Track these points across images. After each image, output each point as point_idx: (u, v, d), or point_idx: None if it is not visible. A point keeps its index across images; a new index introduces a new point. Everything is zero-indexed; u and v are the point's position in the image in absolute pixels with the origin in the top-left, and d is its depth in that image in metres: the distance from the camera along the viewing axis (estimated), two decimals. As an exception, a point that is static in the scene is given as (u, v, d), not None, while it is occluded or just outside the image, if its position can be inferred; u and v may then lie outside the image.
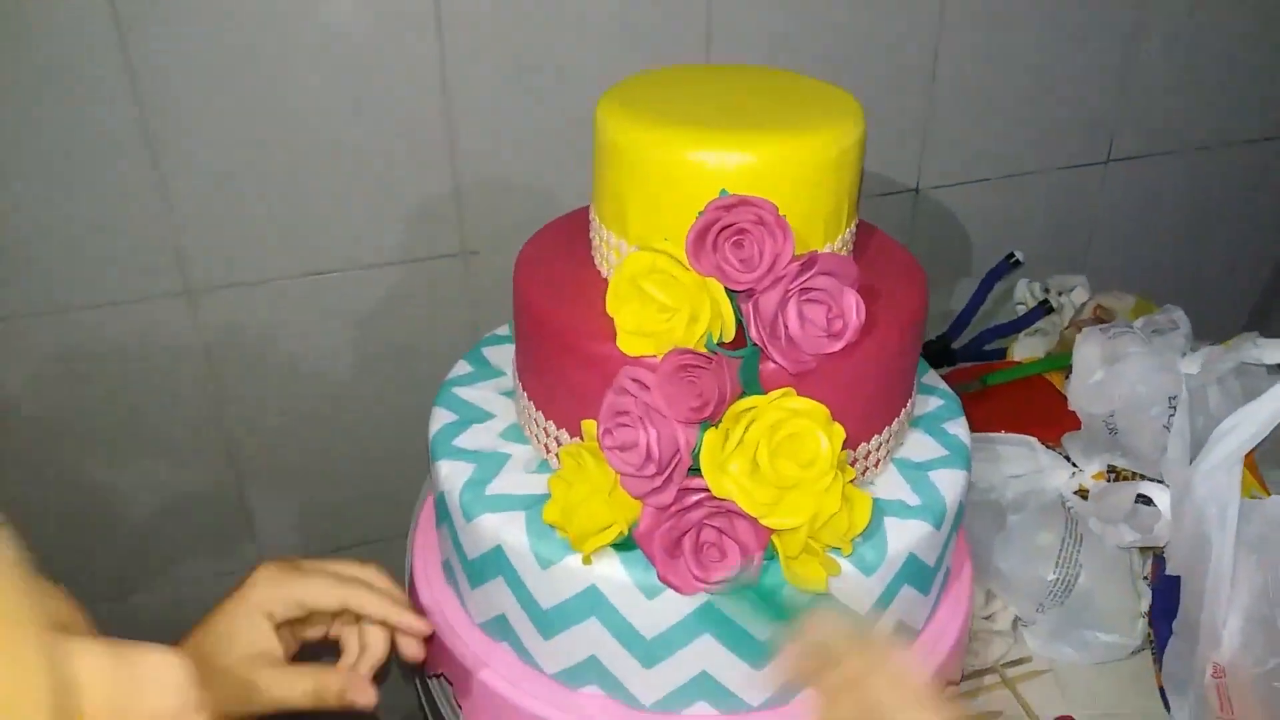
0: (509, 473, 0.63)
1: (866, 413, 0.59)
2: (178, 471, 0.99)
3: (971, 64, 0.98)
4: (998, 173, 1.06)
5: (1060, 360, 0.91)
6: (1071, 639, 0.75)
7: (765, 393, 0.53)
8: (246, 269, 0.88)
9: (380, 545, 1.10)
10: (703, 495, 0.52)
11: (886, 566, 0.58)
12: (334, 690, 0.52)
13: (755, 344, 0.53)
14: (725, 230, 0.50)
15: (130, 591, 1.03)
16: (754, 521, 0.53)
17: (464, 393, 0.71)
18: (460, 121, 0.85)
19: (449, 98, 0.83)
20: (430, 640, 0.67)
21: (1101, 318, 0.97)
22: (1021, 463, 0.81)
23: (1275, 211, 1.24)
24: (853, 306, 0.53)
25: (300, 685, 0.52)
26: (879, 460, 0.62)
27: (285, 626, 0.54)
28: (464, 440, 0.66)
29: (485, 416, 0.68)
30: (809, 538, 0.53)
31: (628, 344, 0.54)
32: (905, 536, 0.59)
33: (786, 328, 0.51)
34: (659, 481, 0.52)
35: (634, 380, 0.52)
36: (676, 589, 0.54)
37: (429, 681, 0.71)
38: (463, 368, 0.74)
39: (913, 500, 0.61)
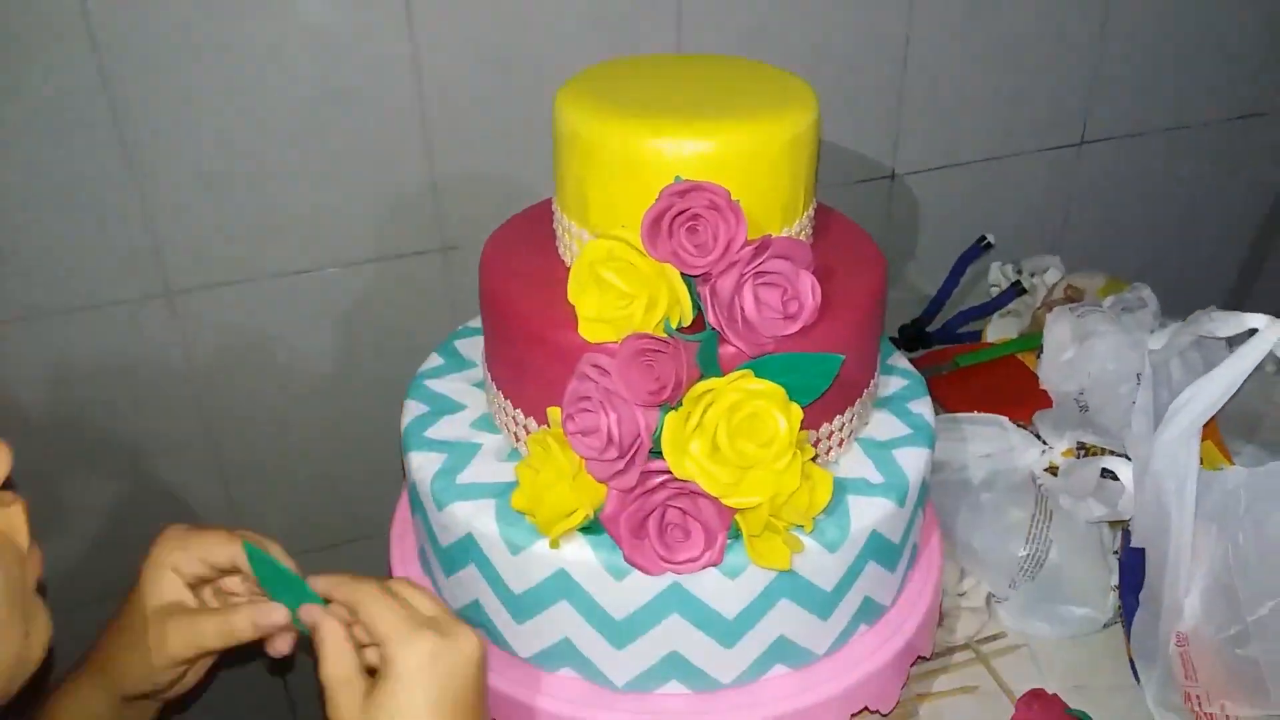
0: (480, 462, 0.64)
1: (826, 394, 0.60)
2: (162, 472, 0.99)
3: (943, 49, 0.98)
4: (973, 157, 1.07)
5: (1032, 340, 0.92)
6: (1044, 613, 0.77)
7: (724, 375, 0.54)
8: (226, 269, 0.89)
9: (367, 542, 1.11)
10: (665, 477, 0.53)
11: (850, 544, 0.59)
12: (243, 621, 0.53)
13: (713, 328, 0.54)
14: (679, 216, 0.51)
15: (109, 596, 1.04)
16: (716, 501, 0.54)
17: (435, 385, 0.72)
18: (437, 115, 0.85)
19: (424, 92, 0.83)
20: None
21: (1072, 297, 0.98)
22: (992, 442, 0.82)
23: (1250, 190, 1.25)
24: (808, 289, 0.54)
25: (209, 624, 0.53)
26: (842, 440, 0.64)
27: (202, 587, 0.56)
28: (435, 431, 0.67)
29: (457, 408, 0.69)
30: (771, 516, 0.54)
31: (589, 331, 0.55)
32: (869, 514, 0.60)
33: (743, 311, 0.52)
34: (621, 465, 0.53)
35: (594, 366, 0.53)
36: (643, 570, 0.55)
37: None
38: (434, 360, 0.75)
39: (875, 478, 0.62)
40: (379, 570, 1.05)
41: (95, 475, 0.97)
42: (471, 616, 0.64)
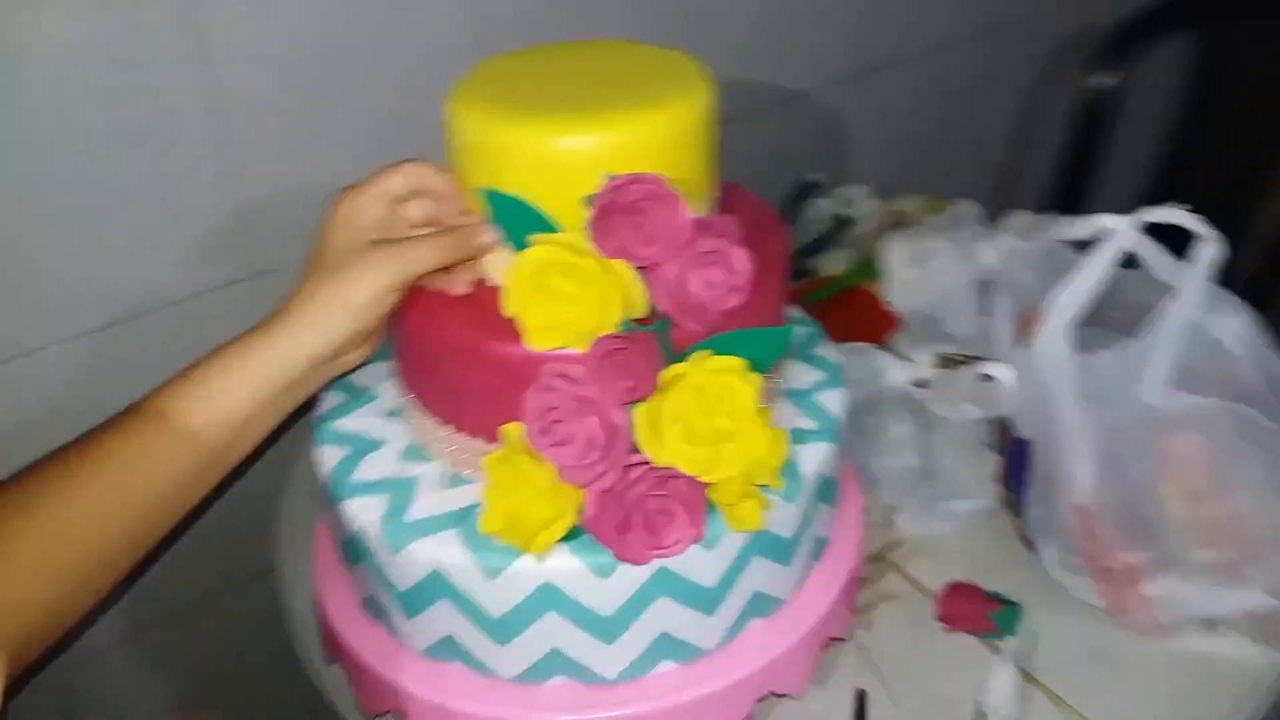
0: (425, 494, 0.61)
1: (760, 355, 0.62)
2: None
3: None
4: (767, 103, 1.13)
5: (869, 268, 0.99)
6: (938, 513, 0.84)
7: (676, 357, 0.55)
8: (26, 335, 0.78)
9: (237, 590, 1.02)
10: (643, 469, 0.54)
11: (804, 491, 0.62)
12: (464, 240, 0.57)
13: (663, 314, 0.54)
14: (621, 210, 0.51)
15: None
16: (691, 480, 0.55)
17: (345, 424, 0.67)
18: (237, 136, 0.78)
19: (218, 111, 0.76)
20: (365, 682, 0.65)
21: (899, 221, 1.06)
22: (861, 369, 0.88)
23: (1004, 102, 1.40)
24: (744, 260, 0.56)
25: (424, 245, 0.56)
26: (773, 396, 0.66)
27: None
28: (363, 472, 0.63)
29: (376, 444, 0.65)
30: (744, 483, 0.56)
31: (540, 339, 0.54)
32: (814, 459, 0.63)
33: (692, 293, 0.53)
34: (604, 466, 0.52)
35: (561, 376, 0.52)
36: (633, 562, 0.56)
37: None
38: (333, 399, 0.70)
39: (809, 424, 0.66)
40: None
41: None
42: (444, 652, 0.62)
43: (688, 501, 0.55)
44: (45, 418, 0.82)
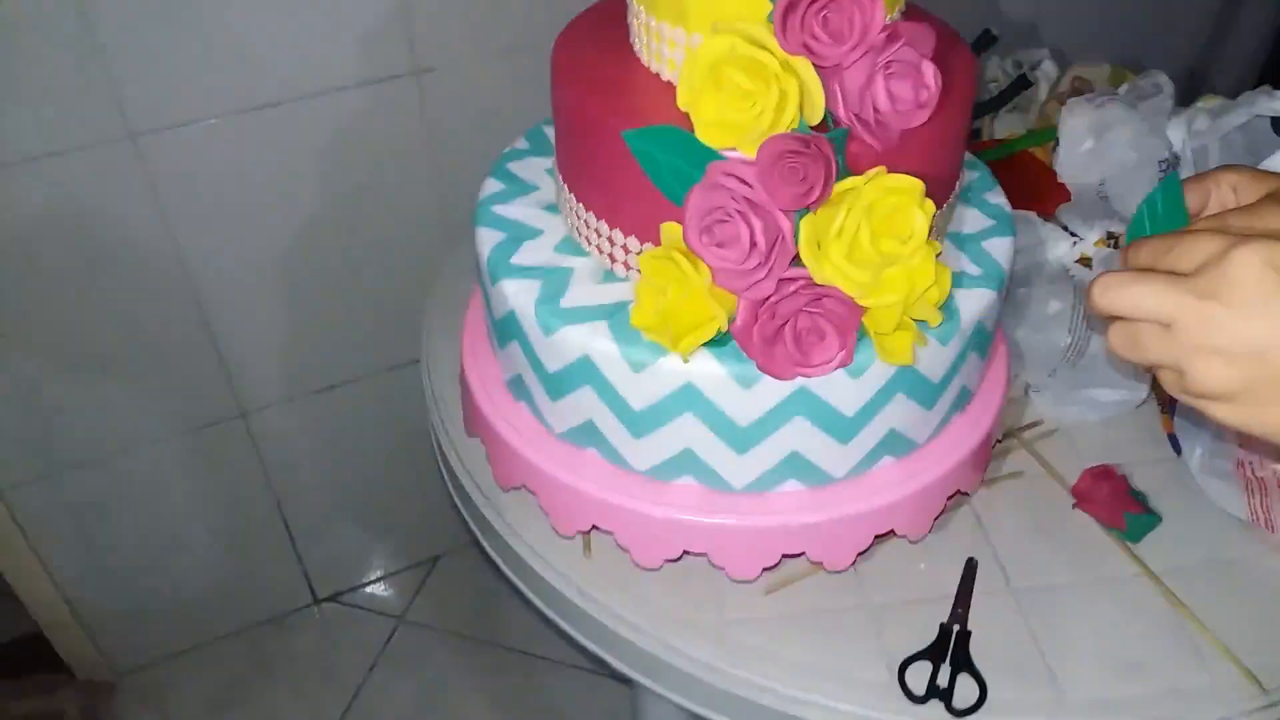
0: (578, 285, 0.62)
1: (935, 186, 0.59)
2: (144, 325, 0.94)
3: None
4: None
5: (1044, 135, 0.92)
6: (1080, 399, 0.80)
7: (852, 174, 0.52)
8: (191, 107, 0.82)
9: (364, 383, 1.09)
10: (801, 283, 0.53)
11: (959, 336, 0.60)
12: None
13: (842, 124, 0.51)
14: (815, 2, 0.48)
15: (96, 461, 1.00)
16: (849, 301, 0.53)
17: (504, 210, 0.68)
18: None
19: None
20: (502, 457, 0.68)
21: (1080, 89, 0.97)
22: (1023, 238, 0.83)
23: None
24: (932, 76, 0.52)
25: None
26: (941, 234, 0.63)
27: None
28: (520, 258, 0.64)
29: (534, 233, 0.66)
30: (903, 313, 0.54)
31: (710, 136, 0.52)
32: (974, 305, 0.60)
33: (876, 105, 0.50)
34: (763, 274, 0.51)
35: (729, 174, 0.50)
36: (777, 377, 0.55)
37: (502, 496, 0.72)
38: (494, 185, 0.71)
39: (973, 270, 0.62)
40: (369, 410, 1.03)
41: (75, 334, 0.91)
42: (582, 437, 0.64)
43: (841, 323, 0.54)
44: (212, 181, 0.87)
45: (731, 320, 0.55)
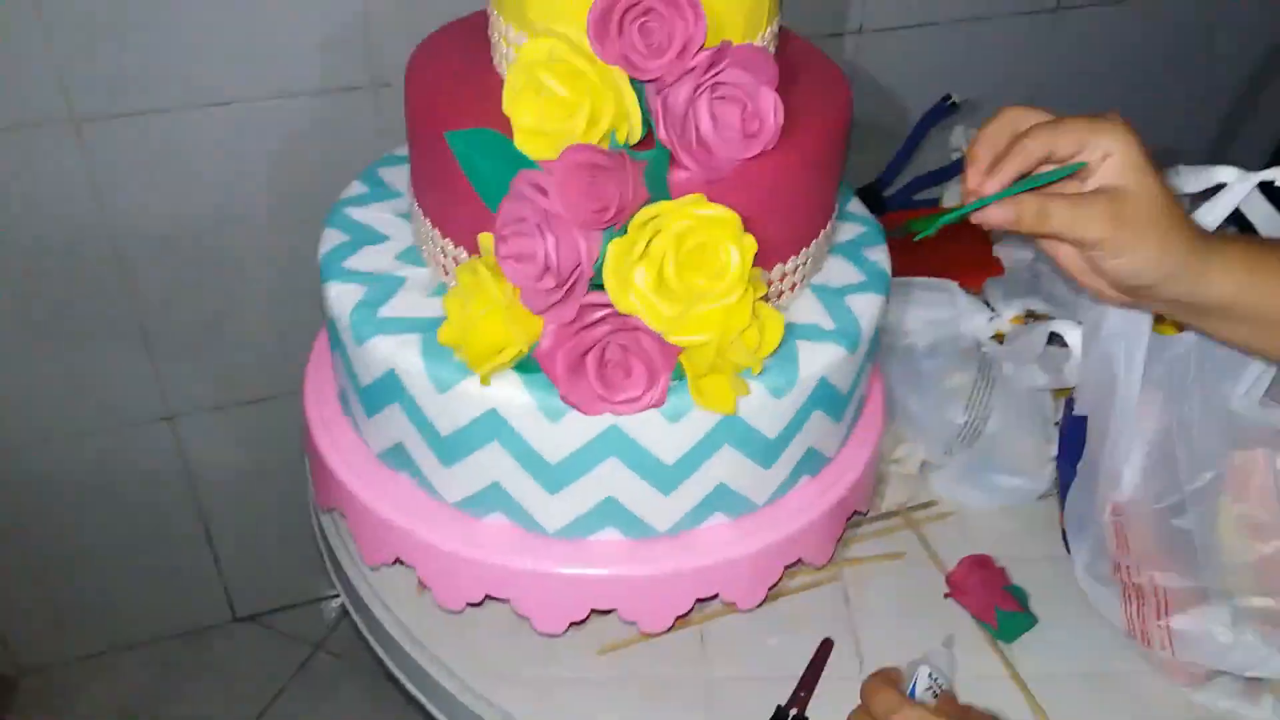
0: (404, 295, 0.58)
1: (782, 230, 0.55)
2: (74, 314, 0.92)
3: None
4: (945, 17, 1.01)
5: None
6: (978, 482, 0.75)
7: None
8: (138, 97, 0.80)
9: (299, 398, 1.06)
10: (606, 311, 0.49)
11: (798, 390, 0.55)
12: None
13: (663, 145, 0.48)
14: (631, 10, 0.45)
15: (15, 449, 0.98)
16: (660, 338, 0.49)
17: (357, 213, 0.65)
18: None
19: None
20: (320, 476, 0.64)
21: None
22: (939, 307, 0.79)
23: (1223, 61, 1.21)
24: (770, 107, 0.48)
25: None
26: (795, 284, 0.59)
27: None
28: (355, 262, 0.61)
29: (380, 239, 0.63)
30: (717, 356, 0.50)
31: (526, 144, 0.49)
32: (818, 360, 0.56)
33: (698, 127, 0.47)
34: (560, 295, 0.48)
35: (531, 184, 0.47)
36: (581, 410, 0.51)
37: (322, 518, 0.68)
38: (357, 187, 0.67)
39: (828, 324, 0.58)
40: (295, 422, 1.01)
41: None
42: (395, 460, 0.60)
43: (650, 359, 0.49)
44: (153, 173, 0.85)
45: (535, 344, 0.51)
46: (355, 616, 0.69)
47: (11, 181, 0.82)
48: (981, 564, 0.69)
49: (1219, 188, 0.60)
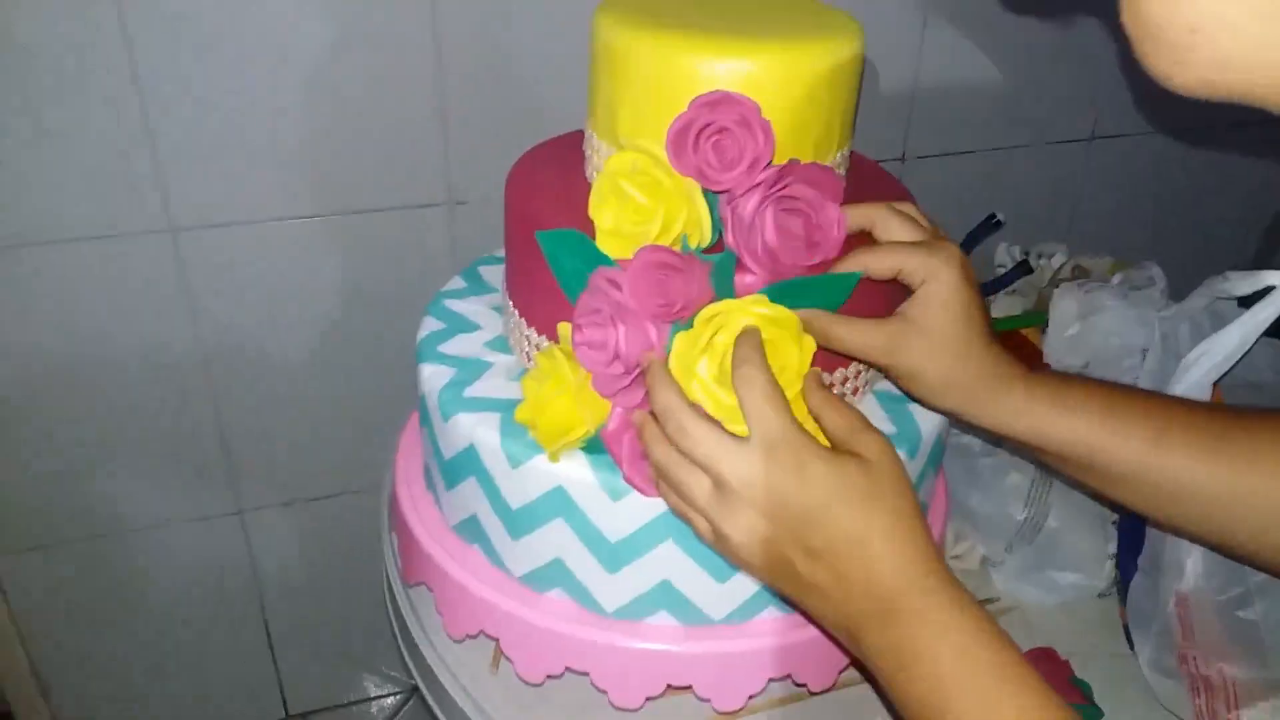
0: (490, 378, 0.63)
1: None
2: (159, 412, 0.96)
3: (958, 44, 0.98)
4: (983, 145, 1.06)
5: (1038, 317, 0.91)
6: (1038, 579, 0.75)
7: (739, 301, 0.52)
8: (231, 209, 0.87)
9: (361, 495, 1.09)
10: (670, 398, 0.52)
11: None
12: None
13: (731, 250, 0.52)
14: (706, 129, 0.50)
15: (100, 534, 1.03)
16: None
17: (454, 304, 0.71)
18: (450, 59, 0.84)
19: (440, 36, 0.82)
20: (411, 549, 0.68)
21: (1079, 277, 0.96)
22: None
23: (1259, 191, 1.22)
24: (833, 220, 0.52)
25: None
26: (857, 389, 0.62)
27: None
28: (449, 347, 0.66)
29: (472, 327, 0.68)
30: (774, 448, 0.52)
31: (606, 245, 0.53)
32: (876, 461, 0.58)
33: (763, 234, 0.51)
34: (627, 381, 0.51)
35: (607, 279, 0.51)
36: (640, 491, 0.54)
37: (398, 599, 0.71)
38: (457, 282, 0.74)
39: (888, 428, 0.60)
40: (371, 523, 1.04)
41: (90, 426, 0.94)
42: (469, 532, 0.63)
43: (709, 447, 0.52)
44: (240, 280, 0.92)
45: (604, 427, 0.54)
46: (428, 697, 0.70)
47: (115, 284, 0.88)
48: (1047, 656, 0.69)
49: (1268, 290, 0.61)
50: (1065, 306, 0.79)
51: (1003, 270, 0.99)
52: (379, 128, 0.87)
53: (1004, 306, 0.96)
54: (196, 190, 0.85)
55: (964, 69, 1.00)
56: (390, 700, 1.31)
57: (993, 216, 0.96)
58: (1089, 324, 0.77)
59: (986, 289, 0.97)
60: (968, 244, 0.99)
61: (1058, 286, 0.83)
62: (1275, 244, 1.24)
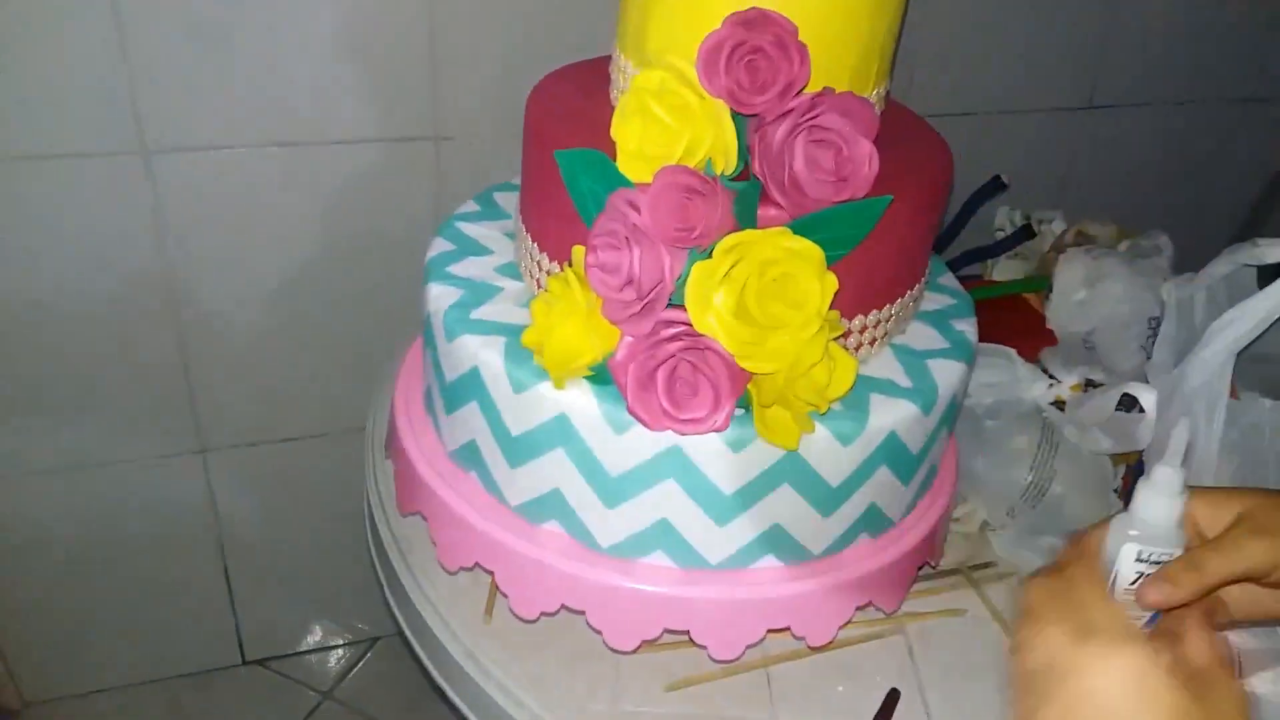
0: (498, 302, 0.61)
1: (866, 280, 0.56)
2: (121, 343, 0.93)
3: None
4: (983, 108, 1.04)
5: (1038, 282, 0.88)
6: (1039, 546, 0.73)
7: (761, 233, 0.50)
8: (208, 133, 0.84)
9: (330, 440, 1.05)
10: (682, 328, 0.50)
11: (865, 440, 0.55)
12: None
13: (756, 179, 0.50)
14: (739, 48, 0.47)
15: (39, 473, 0.98)
16: (732, 363, 0.50)
17: (466, 227, 0.69)
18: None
19: None
20: (403, 478, 0.66)
21: (1082, 243, 0.94)
22: (999, 371, 0.78)
23: (1252, 167, 1.21)
24: (865, 156, 0.50)
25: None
26: (875, 339, 0.60)
27: None
28: (458, 268, 0.64)
29: (484, 251, 0.66)
30: (786, 388, 0.51)
31: (627, 166, 0.51)
32: (889, 414, 0.56)
33: (791, 165, 0.48)
34: (638, 307, 0.49)
35: (625, 201, 0.49)
36: (644, 423, 0.52)
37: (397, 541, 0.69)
38: (470, 206, 0.72)
39: (904, 381, 0.58)
40: (339, 470, 0.99)
41: (49, 338, 0.90)
42: (466, 459, 0.62)
43: (718, 381, 0.51)
44: (215, 208, 0.89)
45: (612, 356, 0.52)
46: (415, 644, 0.68)
47: (79, 207, 0.85)
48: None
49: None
50: (1072, 272, 0.77)
51: (1002, 234, 0.97)
52: (364, 56, 0.84)
53: (1006, 271, 0.95)
54: (172, 113, 0.82)
55: (965, 29, 0.99)
56: (348, 650, 1.30)
57: (998, 178, 0.94)
58: (1097, 290, 0.75)
59: (988, 252, 0.95)
60: (972, 203, 0.97)
61: (1063, 252, 0.81)
62: (1264, 216, 1.22)
